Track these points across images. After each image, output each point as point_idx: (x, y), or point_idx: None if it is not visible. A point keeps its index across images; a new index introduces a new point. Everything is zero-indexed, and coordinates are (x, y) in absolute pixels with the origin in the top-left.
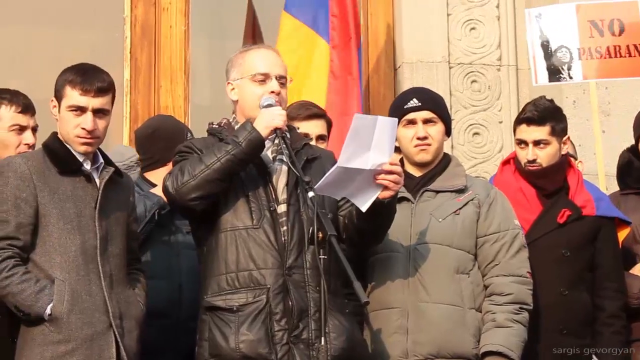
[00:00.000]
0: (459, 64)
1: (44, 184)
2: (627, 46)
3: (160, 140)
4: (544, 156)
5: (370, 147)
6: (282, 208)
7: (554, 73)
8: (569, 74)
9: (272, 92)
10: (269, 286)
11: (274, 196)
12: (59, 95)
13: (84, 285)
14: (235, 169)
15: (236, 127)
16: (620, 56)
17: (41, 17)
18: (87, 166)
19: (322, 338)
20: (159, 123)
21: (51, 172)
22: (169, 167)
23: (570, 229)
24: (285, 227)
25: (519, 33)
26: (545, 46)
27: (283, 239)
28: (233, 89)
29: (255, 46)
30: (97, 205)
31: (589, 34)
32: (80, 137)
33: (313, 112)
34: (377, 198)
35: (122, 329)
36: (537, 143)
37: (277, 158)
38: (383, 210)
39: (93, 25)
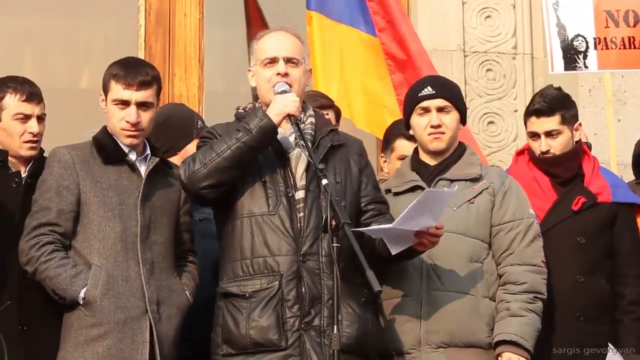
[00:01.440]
0: (474, 52)
1: (87, 173)
2: None
3: (171, 128)
4: (557, 145)
5: (424, 213)
6: (300, 194)
7: (570, 62)
8: (584, 63)
9: (278, 73)
10: (282, 272)
11: (292, 182)
12: (105, 90)
13: (121, 271)
14: (246, 156)
15: (262, 107)
16: (635, 47)
17: (56, 5)
18: (133, 157)
19: (335, 326)
20: (169, 111)
21: (96, 161)
22: (180, 155)
23: (585, 216)
24: (302, 214)
25: (535, 21)
26: (561, 34)
27: (299, 225)
28: (253, 75)
29: (269, 30)
30: (140, 194)
31: (604, 24)
32: (125, 130)
33: (321, 103)
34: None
35: (158, 314)
36: (548, 134)
37: (299, 144)
38: (408, 254)
39: (107, 13)
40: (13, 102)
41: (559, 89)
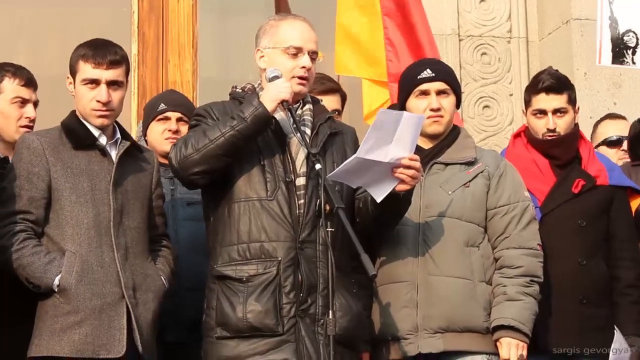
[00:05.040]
0: (468, 36)
1: (57, 159)
2: None
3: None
4: (563, 124)
5: (392, 141)
6: (300, 181)
7: (618, 56)
8: (632, 59)
9: (303, 67)
10: (280, 259)
11: (291, 168)
12: (73, 71)
13: (96, 257)
14: (239, 144)
15: (260, 93)
16: None
17: None
18: (103, 141)
19: (330, 311)
20: (163, 98)
21: (65, 147)
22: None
23: (585, 199)
24: (302, 200)
25: (529, 5)
26: (613, 28)
27: (298, 212)
28: (262, 56)
29: (291, 16)
30: (112, 179)
31: None
32: (96, 110)
33: (328, 86)
34: (394, 190)
35: (135, 300)
36: (557, 111)
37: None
38: (398, 202)
39: (100, 0)
40: (12, 85)
41: (557, 71)
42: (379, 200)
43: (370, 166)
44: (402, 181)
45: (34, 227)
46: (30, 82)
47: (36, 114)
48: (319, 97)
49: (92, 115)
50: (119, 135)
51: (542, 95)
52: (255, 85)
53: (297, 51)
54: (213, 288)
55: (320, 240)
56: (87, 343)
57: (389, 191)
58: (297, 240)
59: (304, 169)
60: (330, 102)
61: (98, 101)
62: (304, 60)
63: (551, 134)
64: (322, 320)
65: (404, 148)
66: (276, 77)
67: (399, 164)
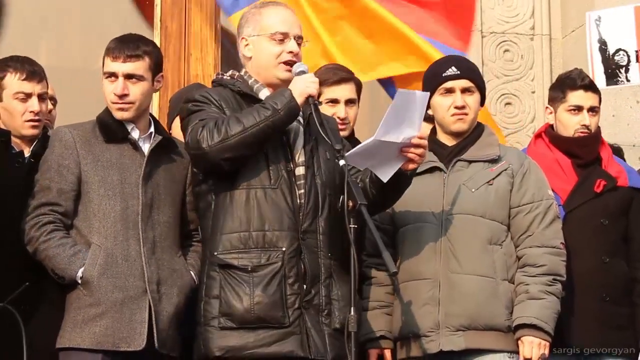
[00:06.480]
0: (491, 33)
1: (88, 152)
2: None
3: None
4: (594, 123)
5: (404, 121)
6: (300, 170)
7: (612, 77)
8: (626, 77)
9: (290, 52)
10: (284, 249)
11: (290, 157)
12: (103, 66)
13: (121, 250)
14: (271, 135)
15: (250, 81)
16: None
17: None
18: (135, 134)
19: (352, 308)
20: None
21: (97, 140)
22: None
23: (606, 199)
24: (302, 190)
25: (553, 2)
26: (603, 50)
27: (299, 201)
28: (247, 44)
29: (272, 3)
30: (142, 173)
31: None
32: (114, 103)
33: (341, 76)
34: (400, 169)
35: (158, 294)
36: (591, 109)
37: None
38: (402, 182)
39: None
40: (13, 81)
41: None
42: (385, 180)
43: (384, 147)
44: (410, 160)
45: (62, 219)
46: (32, 75)
47: (46, 106)
48: (333, 87)
49: (112, 108)
50: (152, 129)
51: (581, 92)
52: (242, 74)
53: (284, 37)
54: (214, 276)
55: (321, 229)
56: (107, 335)
57: (394, 171)
58: (299, 230)
59: (302, 158)
60: (345, 91)
61: (115, 94)
62: (291, 45)
63: (585, 130)
64: (325, 311)
65: (413, 127)
66: (303, 72)
67: (409, 143)
